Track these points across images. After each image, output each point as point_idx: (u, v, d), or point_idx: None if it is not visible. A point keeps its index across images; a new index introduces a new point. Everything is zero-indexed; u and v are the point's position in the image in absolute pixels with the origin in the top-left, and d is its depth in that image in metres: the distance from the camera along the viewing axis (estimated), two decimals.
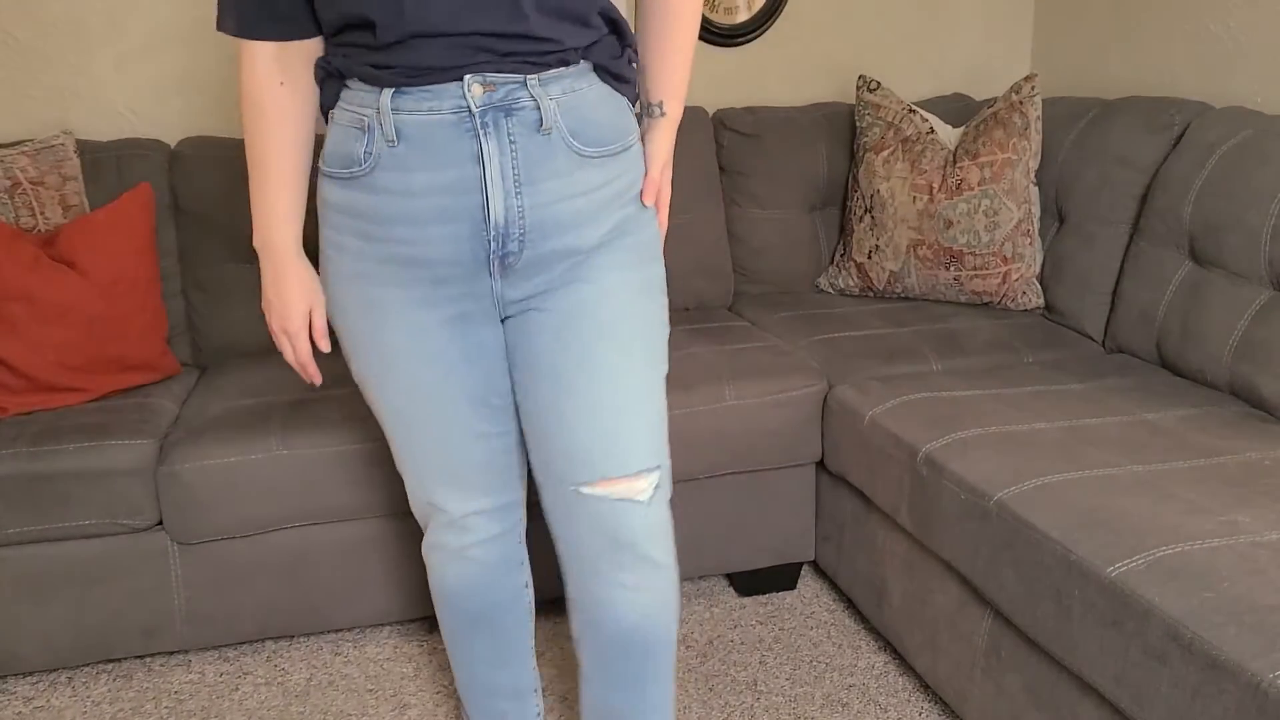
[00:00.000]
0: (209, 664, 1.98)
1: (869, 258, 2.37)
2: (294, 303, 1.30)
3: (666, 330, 1.32)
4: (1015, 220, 2.24)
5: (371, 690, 1.89)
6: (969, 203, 2.24)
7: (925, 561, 1.73)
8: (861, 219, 2.38)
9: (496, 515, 1.41)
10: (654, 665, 1.36)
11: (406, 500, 1.86)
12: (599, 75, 1.24)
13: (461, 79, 1.15)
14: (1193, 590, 1.20)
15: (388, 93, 1.16)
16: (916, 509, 1.68)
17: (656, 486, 1.28)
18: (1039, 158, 2.29)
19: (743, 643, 2.00)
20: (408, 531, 1.91)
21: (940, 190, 2.27)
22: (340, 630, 2.07)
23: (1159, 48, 2.38)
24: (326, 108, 1.26)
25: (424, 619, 2.10)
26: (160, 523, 1.82)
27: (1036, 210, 2.27)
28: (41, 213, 2.07)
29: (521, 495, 1.44)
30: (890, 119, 2.38)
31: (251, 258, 2.26)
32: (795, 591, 2.17)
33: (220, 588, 1.87)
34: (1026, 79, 2.28)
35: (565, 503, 1.29)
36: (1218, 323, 1.85)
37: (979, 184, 2.24)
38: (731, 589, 2.18)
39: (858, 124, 2.43)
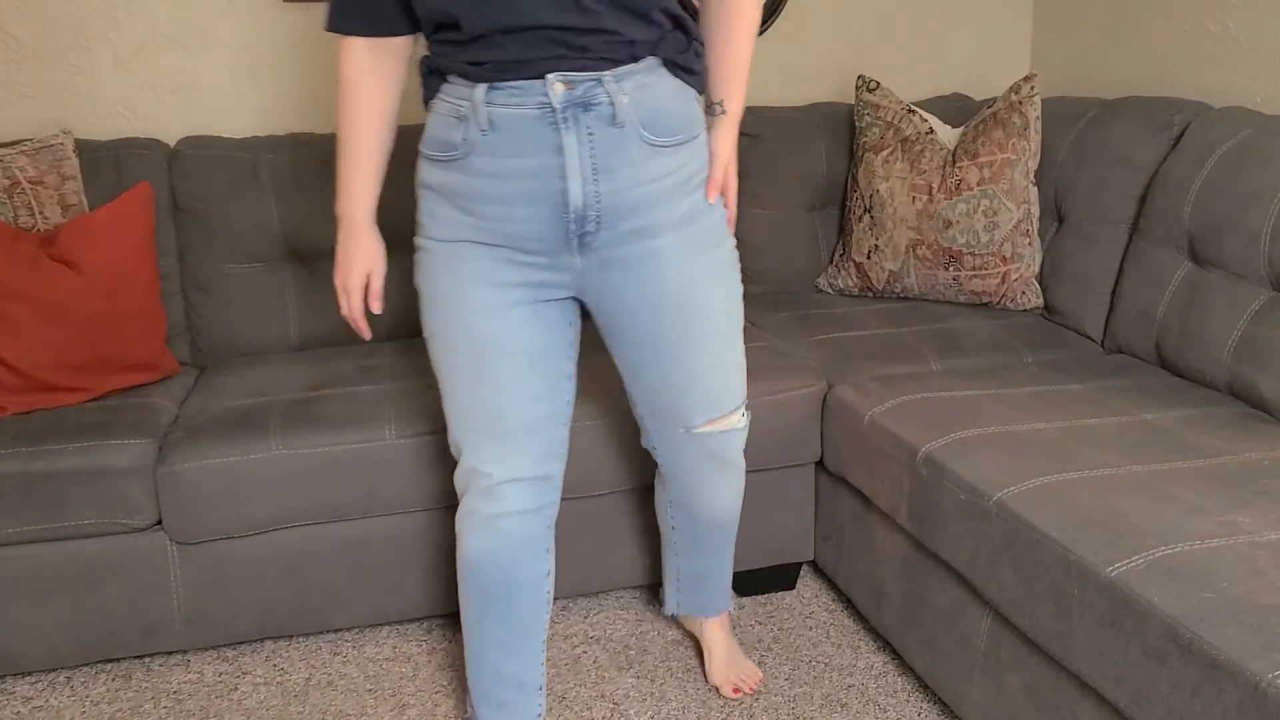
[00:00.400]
0: (208, 664, 1.98)
1: (868, 258, 2.37)
2: (355, 265, 1.50)
3: (740, 292, 1.53)
4: (1014, 220, 2.24)
5: (371, 690, 1.89)
6: (968, 203, 2.24)
7: (924, 561, 1.73)
8: (861, 219, 2.38)
9: (532, 487, 1.49)
10: (730, 535, 1.77)
11: (406, 501, 1.86)
12: (669, 69, 1.38)
13: (544, 77, 1.30)
14: (1192, 590, 1.20)
15: (482, 87, 1.33)
16: (916, 509, 1.68)
17: (745, 415, 1.61)
18: (1038, 158, 2.29)
19: (742, 642, 2.00)
20: (407, 532, 1.91)
21: (939, 190, 2.27)
22: (339, 630, 2.07)
23: (1158, 48, 2.38)
24: (428, 98, 1.43)
25: (423, 619, 2.10)
26: (159, 522, 1.82)
27: (1036, 210, 2.27)
28: (40, 212, 2.07)
29: (558, 478, 1.53)
30: (890, 119, 2.38)
31: (249, 258, 2.26)
32: (794, 591, 2.17)
33: (219, 587, 1.87)
34: (1026, 79, 2.28)
35: (676, 439, 1.58)
36: (1217, 323, 1.85)
37: (978, 184, 2.24)
38: (731, 589, 2.17)
39: (857, 124, 2.43)
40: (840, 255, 2.47)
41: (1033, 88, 2.27)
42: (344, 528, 1.89)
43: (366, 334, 1.55)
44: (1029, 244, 2.26)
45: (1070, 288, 2.21)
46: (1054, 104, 2.38)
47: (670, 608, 1.92)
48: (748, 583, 2.15)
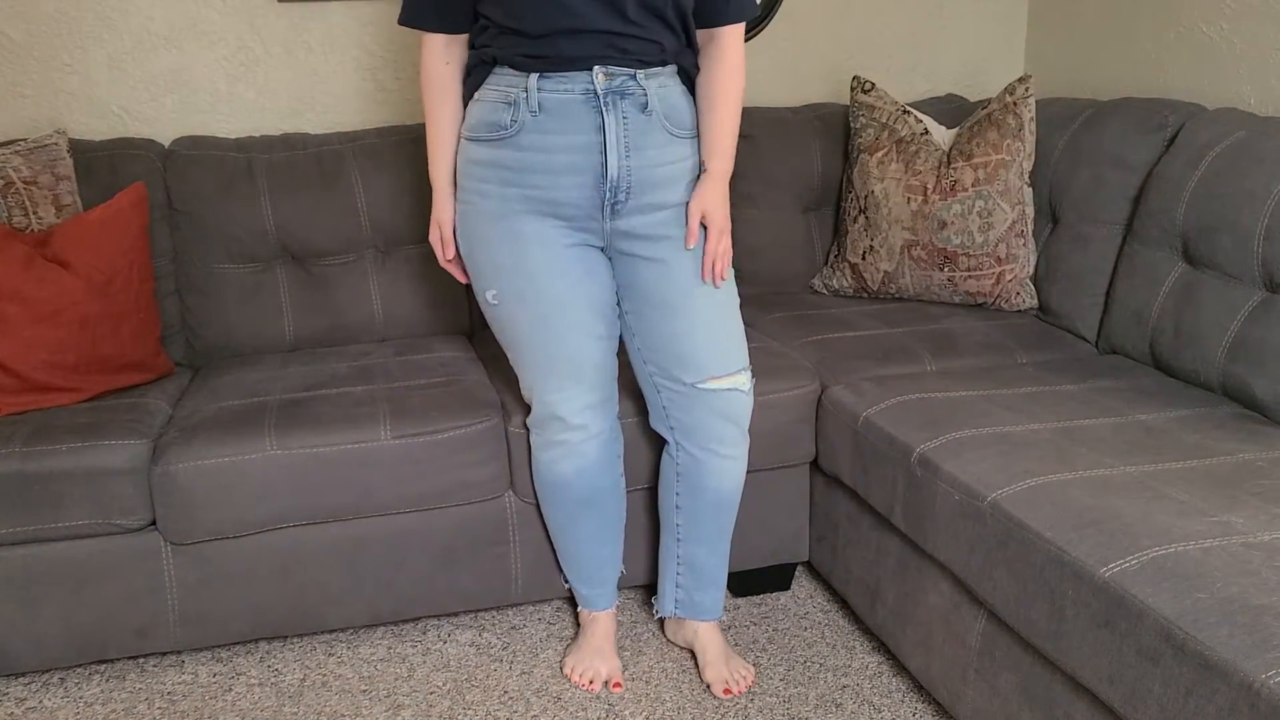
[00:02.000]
0: (202, 664, 1.97)
1: (863, 258, 2.37)
2: (445, 220, 1.75)
3: (733, 279, 1.76)
4: (1009, 221, 2.24)
5: (365, 691, 1.89)
6: (963, 204, 2.24)
7: (919, 562, 1.74)
8: (856, 220, 2.38)
9: (602, 410, 1.78)
10: (729, 522, 1.87)
11: (400, 501, 1.86)
12: (680, 77, 1.69)
13: (591, 69, 1.58)
14: (1186, 591, 1.21)
15: (534, 76, 1.59)
16: (910, 509, 1.68)
17: (750, 377, 1.76)
18: (1033, 159, 2.29)
19: (737, 643, 2.00)
20: (401, 532, 1.91)
21: (934, 191, 2.27)
22: (334, 631, 2.06)
23: (1152, 49, 2.39)
24: (472, 90, 1.68)
25: (417, 620, 2.10)
26: (153, 523, 1.82)
27: (1030, 211, 2.28)
28: (35, 212, 2.07)
29: (615, 393, 1.81)
30: (884, 120, 2.38)
31: (244, 258, 2.26)
32: (789, 592, 2.17)
33: (213, 588, 1.86)
34: (1020, 80, 2.29)
35: (686, 396, 1.75)
36: (1211, 324, 1.85)
37: (973, 185, 2.24)
38: (726, 589, 2.18)
39: (852, 125, 2.43)
40: (835, 256, 2.47)
41: (1027, 89, 2.28)
42: (338, 528, 1.88)
43: (463, 278, 1.80)
44: (1024, 245, 2.26)
45: (1065, 288, 2.21)
46: (1048, 105, 2.39)
47: (666, 608, 1.93)
48: (743, 583, 2.15)
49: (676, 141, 1.67)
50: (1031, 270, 2.29)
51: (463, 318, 2.39)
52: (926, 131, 2.34)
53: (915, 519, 1.67)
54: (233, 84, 2.43)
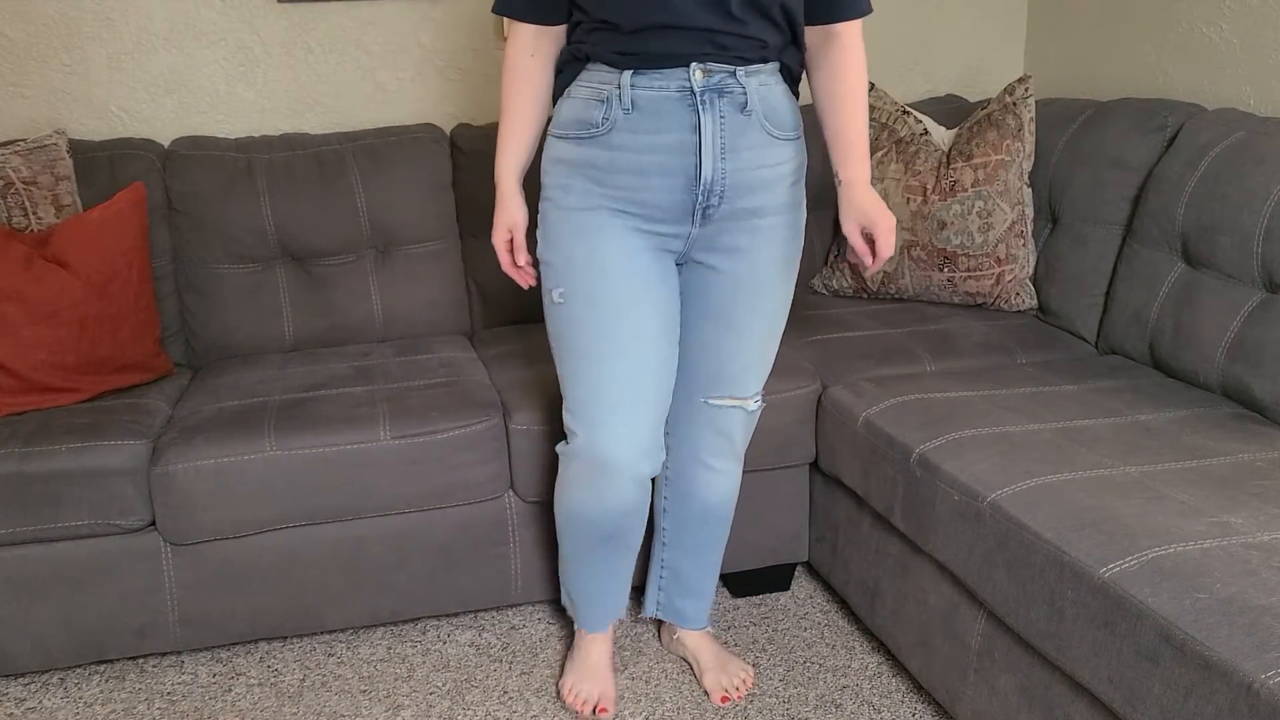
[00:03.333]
0: (202, 665, 1.97)
1: None
2: (502, 222, 1.64)
3: (793, 292, 1.69)
4: (1009, 222, 2.24)
5: (365, 691, 1.89)
6: (963, 204, 2.24)
7: (918, 562, 1.74)
8: None
9: (647, 454, 1.62)
10: (717, 534, 1.83)
11: (399, 501, 1.86)
12: (783, 75, 1.58)
13: (688, 65, 1.47)
14: (1185, 591, 1.21)
15: (628, 73, 1.49)
16: (910, 510, 1.68)
17: (760, 402, 1.73)
18: (1032, 159, 2.29)
19: (737, 644, 2.00)
20: (401, 533, 1.91)
21: (934, 192, 2.27)
22: (333, 631, 2.06)
23: (1152, 50, 2.39)
24: (563, 86, 1.58)
25: (417, 620, 2.09)
26: (153, 523, 1.82)
27: (1030, 212, 2.28)
28: (34, 212, 2.07)
29: (662, 438, 1.66)
30: (884, 120, 2.38)
31: (244, 259, 2.26)
32: (789, 592, 2.17)
33: (213, 588, 1.86)
34: (1020, 80, 2.29)
35: (692, 407, 1.70)
36: (1210, 324, 1.85)
37: (973, 185, 2.24)
38: (725, 590, 2.18)
39: None
40: (835, 256, 2.47)
41: (1027, 89, 2.28)
42: (338, 529, 1.88)
43: (524, 283, 1.68)
44: (1023, 245, 2.26)
45: (1064, 289, 2.21)
46: (1048, 105, 2.39)
47: (648, 609, 1.93)
48: (742, 584, 2.15)
49: (776, 144, 1.56)
50: (1031, 271, 2.29)
51: (463, 318, 2.39)
52: (926, 132, 2.34)
53: (915, 519, 1.67)
54: (232, 84, 2.43)
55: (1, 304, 1.87)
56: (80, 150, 2.21)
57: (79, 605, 1.82)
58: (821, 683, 1.88)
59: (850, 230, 1.57)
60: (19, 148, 2.09)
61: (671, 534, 1.85)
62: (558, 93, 1.60)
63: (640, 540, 1.76)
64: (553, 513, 1.96)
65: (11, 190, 2.05)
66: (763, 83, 1.53)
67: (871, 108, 2.39)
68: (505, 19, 1.60)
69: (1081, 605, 1.30)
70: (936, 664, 1.69)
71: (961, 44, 2.83)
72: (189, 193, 2.23)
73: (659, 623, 2.04)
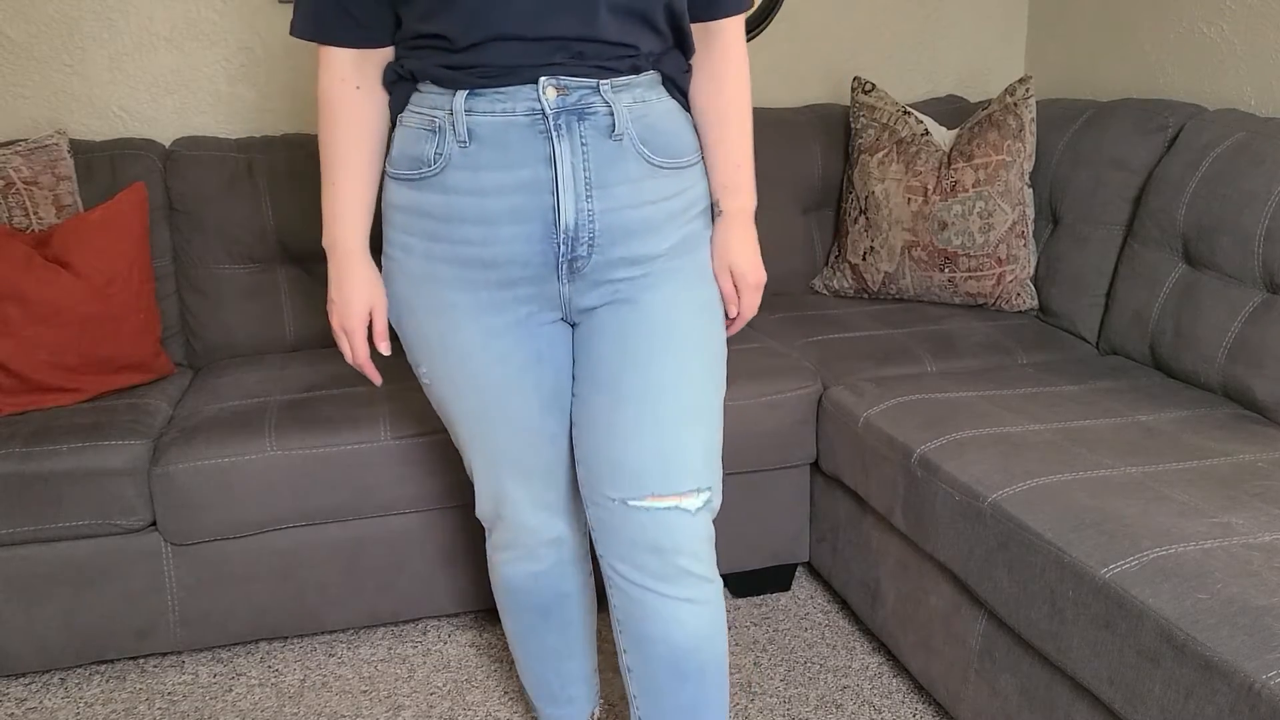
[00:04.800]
0: (202, 665, 1.97)
1: (863, 259, 2.38)
2: (354, 301, 1.30)
3: (724, 352, 1.33)
4: (1009, 222, 2.24)
5: (365, 691, 1.89)
6: (963, 204, 2.24)
7: (919, 563, 1.74)
8: (856, 220, 2.38)
9: (563, 513, 1.42)
10: (702, 692, 1.31)
11: (400, 502, 1.86)
12: (667, 88, 1.27)
13: (536, 81, 1.17)
14: (1186, 592, 1.21)
15: (461, 95, 1.19)
16: (911, 510, 1.68)
17: (706, 502, 1.28)
18: (1033, 160, 2.29)
19: (737, 644, 2.00)
20: (401, 533, 1.91)
21: (935, 192, 2.27)
22: (334, 631, 2.06)
23: (1152, 50, 2.39)
24: (395, 112, 1.28)
25: (417, 620, 2.10)
26: (154, 523, 1.82)
27: (1031, 212, 2.28)
28: (35, 213, 2.07)
29: (583, 495, 1.40)
30: (885, 120, 2.38)
31: (244, 259, 2.25)
32: (790, 593, 2.17)
33: (214, 589, 1.86)
34: (1021, 81, 2.29)
35: (610, 514, 1.28)
36: (1211, 325, 1.85)
37: (973, 186, 2.24)
38: (726, 590, 2.18)
39: (852, 125, 2.43)
40: (835, 257, 2.47)
41: (1028, 90, 2.28)
42: (339, 529, 1.88)
43: (377, 380, 1.38)
44: (1024, 246, 2.26)
45: (1065, 289, 2.22)
46: (1049, 106, 2.39)
47: None
48: (743, 584, 2.15)
49: (659, 175, 1.24)
50: (1032, 271, 2.29)
51: None
52: (927, 132, 2.34)
53: (915, 519, 1.67)
54: (233, 84, 2.43)
55: (2, 304, 1.87)
56: (81, 150, 2.21)
57: (80, 605, 1.82)
58: (822, 683, 1.88)
59: (720, 272, 1.32)
60: (20, 148, 2.09)
61: (644, 698, 1.34)
62: (391, 117, 1.30)
63: (588, 616, 1.55)
64: None
65: (12, 190, 2.05)
66: (638, 99, 1.23)
67: (872, 108, 2.39)
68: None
69: (1082, 606, 1.30)
70: (937, 664, 1.69)
71: (962, 45, 2.83)
72: (190, 193, 2.23)
73: None
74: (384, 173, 1.30)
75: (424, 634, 2.06)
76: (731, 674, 1.90)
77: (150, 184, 2.21)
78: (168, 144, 2.38)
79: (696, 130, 1.32)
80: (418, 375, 1.35)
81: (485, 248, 1.22)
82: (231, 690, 1.90)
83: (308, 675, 1.94)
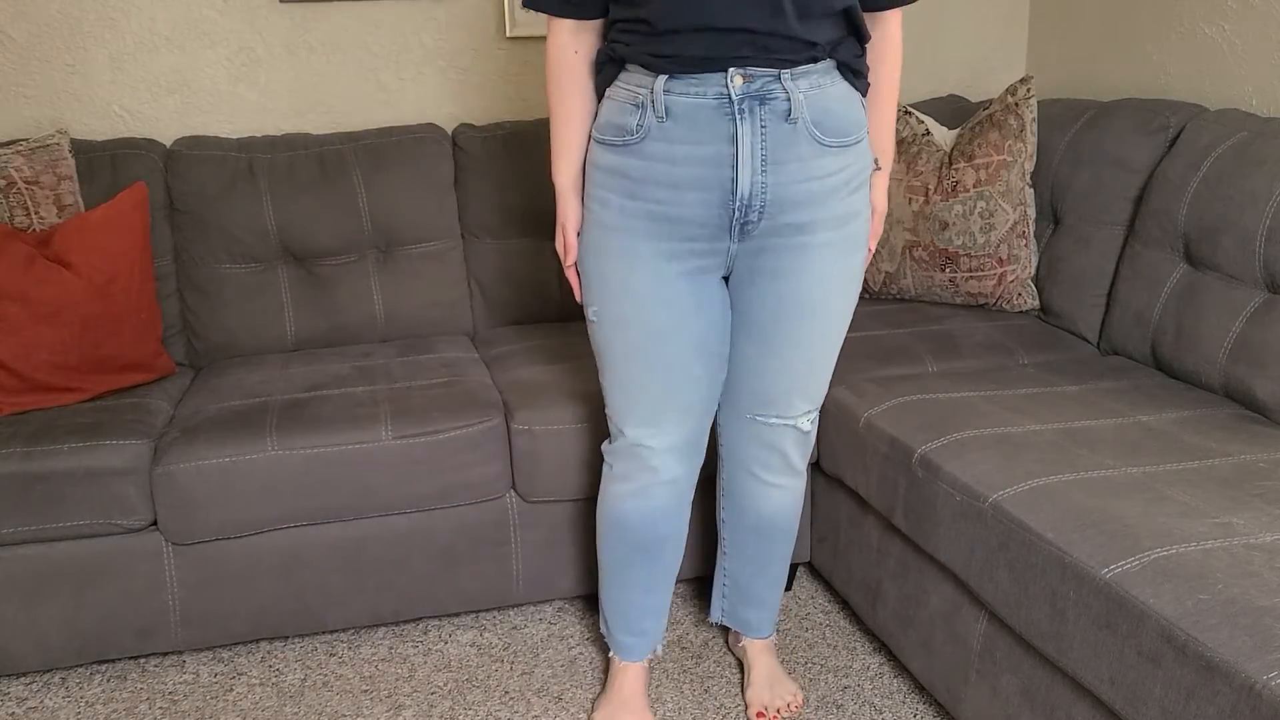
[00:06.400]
0: (203, 664, 1.97)
1: None
2: (559, 222, 1.58)
3: (857, 297, 1.59)
4: (1011, 222, 2.24)
5: (366, 691, 1.89)
6: (965, 204, 2.24)
7: (920, 563, 1.74)
8: None
9: (685, 456, 1.63)
10: (777, 547, 1.77)
11: (401, 501, 1.86)
12: (841, 72, 1.45)
13: (725, 70, 1.37)
14: (1187, 592, 1.21)
15: (662, 78, 1.40)
16: (912, 510, 1.68)
17: (814, 420, 1.65)
18: (1034, 160, 2.29)
19: (738, 644, 2.00)
20: (402, 533, 1.91)
21: (936, 192, 2.27)
22: (335, 631, 2.07)
23: (1154, 50, 2.39)
24: (602, 87, 1.50)
25: (418, 620, 2.10)
26: (155, 523, 1.82)
27: (1032, 212, 2.27)
28: (36, 212, 2.07)
29: (705, 442, 1.66)
30: None
31: (245, 259, 2.26)
32: (790, 593, 2.17)
33: (215, 588, 1.87)
34: (1022, 81, 2.29)
35: (742, 423, 1.65)
36: (1212, 325, 1.85)
37: (974, 186, 2.24)
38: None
39: None
40: None
41: (1029, 90, 2.28)
42: (339, 528, 1.88)
43: (578, 294, 1.61)
44: (1025, 246, 2.26)
45: (1066, 289, 2.21)
46: (1050, 106, 2.38)
47: (714, 614, 1.91)
48: None
49: (828, 153, 1.44)
50: (1033, 271, 2.29)
51: (465, 318, 2.39)
52: (928, 132, 2.34)
53: (916, 520, 1.67)
54: (234, 84, 2.43)
55: (3, 304, 1.87)
56: (82, 150, 2.21)
57: (81, 605, 1.82)
58: (823, 683, 1.88)
59: (880, 220, 1.61)
60: (21, 147, 2.09)
61: (731, 544, 1.81)
62: (599, 91, 1.52)
63: (676, 562, 1.73)
64: (556, 512, 1.97)
65: (14, 190, 2.05)
66: (814, 85, 1.41)
67: None
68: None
69: (1083, 606, 1.30)
70: (938, 665, 1.69)
71: (963, 44, 2.83)
72: (191, 192, 2.23)
73: (725, 628, 2.02)
74: (590, 137, 1.52)
75: (425, 634, 2.06)
76: (732, 674, 1.91)
77: (151, 184, 2.21)
78: (169, 144, 2.38)
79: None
80: (586, 315, 1.57)
81: (672, 208, 1.44)
82: (232, 690, 1.90)
83: (308, 675, 1.94)
